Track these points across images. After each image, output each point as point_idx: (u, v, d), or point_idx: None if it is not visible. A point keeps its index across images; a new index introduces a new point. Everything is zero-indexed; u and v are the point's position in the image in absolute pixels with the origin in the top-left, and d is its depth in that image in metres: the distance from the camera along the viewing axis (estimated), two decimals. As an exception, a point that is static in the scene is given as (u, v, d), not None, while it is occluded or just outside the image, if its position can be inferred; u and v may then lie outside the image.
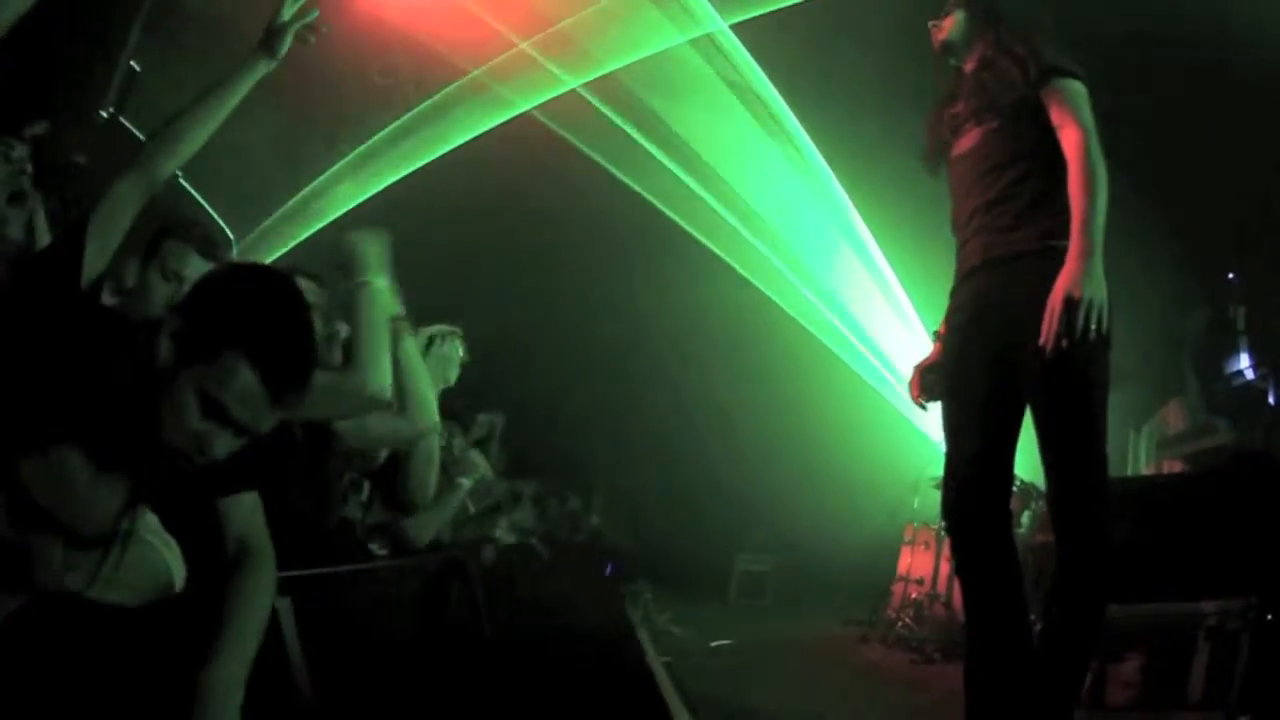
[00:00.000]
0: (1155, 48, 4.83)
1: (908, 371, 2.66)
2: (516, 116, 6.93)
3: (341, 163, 6.92)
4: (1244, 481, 3.13)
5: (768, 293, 8.34)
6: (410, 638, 2.52)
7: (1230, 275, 4.63)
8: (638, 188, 7.53)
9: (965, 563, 2.32)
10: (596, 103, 7.07)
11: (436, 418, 2.74)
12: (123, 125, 4.84)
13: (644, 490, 9.45)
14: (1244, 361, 4.33)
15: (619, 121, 7.22)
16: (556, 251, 7.71)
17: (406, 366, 2.50)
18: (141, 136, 4.52)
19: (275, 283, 1.54)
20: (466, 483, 3.37)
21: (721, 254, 8.06)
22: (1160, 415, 4.99)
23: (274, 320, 1.47)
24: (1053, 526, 2.26)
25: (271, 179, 6.64)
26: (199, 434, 1.42)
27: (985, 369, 2.28)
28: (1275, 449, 3.50)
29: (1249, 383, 4.20)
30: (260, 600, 1.55)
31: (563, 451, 8.30)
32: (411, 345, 2.59)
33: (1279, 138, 4.43)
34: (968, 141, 2.40)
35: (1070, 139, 2.21)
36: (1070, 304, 2.08)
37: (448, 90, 6.89)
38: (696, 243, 7.97)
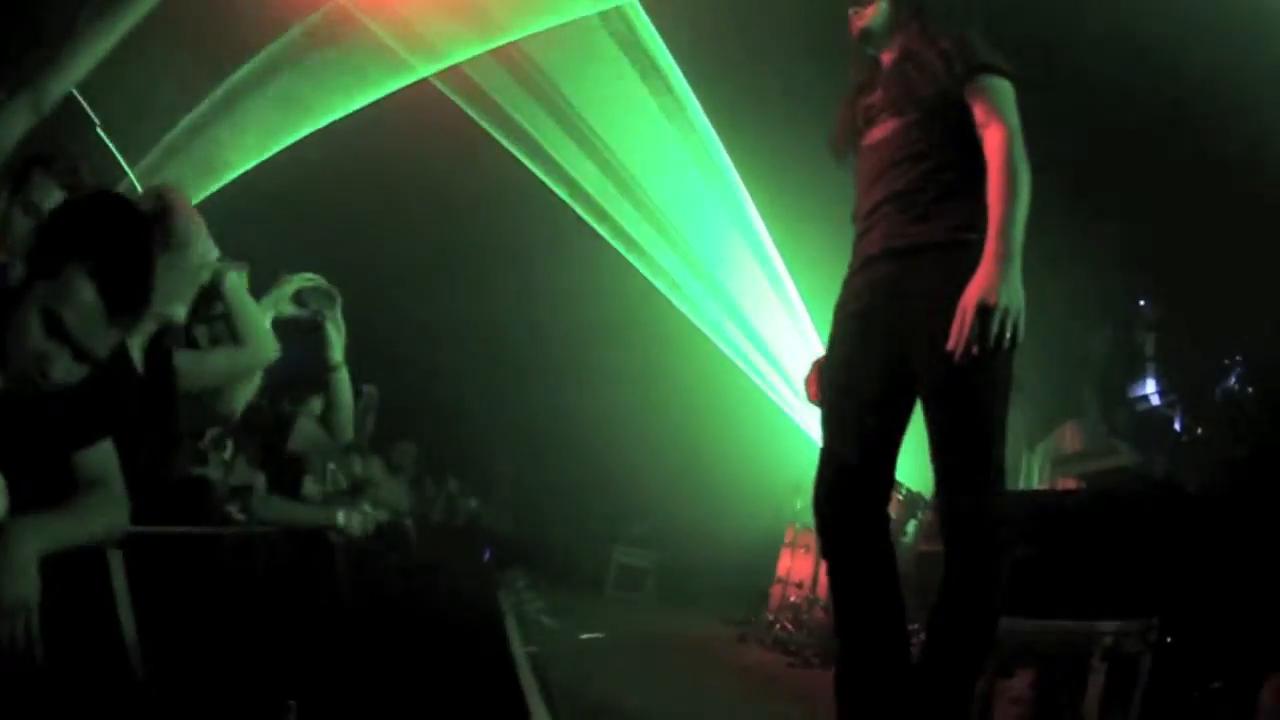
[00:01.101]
0: (1087, 58, 4.77)
1: (797, 370, 2.45)
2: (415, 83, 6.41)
3: (225, 84, 6.32)
4: (1147, 504, 3.03)
5: (658, 286, 8.10)
6: (258, 611, 2.26)
7: (1141, 301, 4.64)
8: (541, 174, 7.18)
9: (837, 566, 2.17)
10: (488, 78, 6.65)
11: (275, 347, 2.54)
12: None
13: (527, 478, 9.36)
14: (1150, 387, 4.34)
15: (517, 93, 6.84)
16: (453, 239, 7.57)
17: (235, 301, 2.47)
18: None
19: (122, 208, 1.67)
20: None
21: (613, 242, 7.78)
22: (1056, 435, 4.97)
23: (116, 241, 1.57)
24: (942, 535, 2.07)
25: (169, 98, 6.09)
26: (40, 355, 1.50)
27: (877, 362, 2.15)
28: (1178, 476, 3.44)
29: (1155, 408, 4.19)
30: (93, 510, 1.59)
31: (448, 434, 8.14)
32: (236, 280, 2.50)
33: (1204, 169, 4.43)
34: (881, 132, 2.26)
35: (993, 138, 2.06)
36: (984, 311, 1.93)
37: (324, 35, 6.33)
38: (589, 231, 7.70)
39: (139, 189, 5.57)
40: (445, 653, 2.83)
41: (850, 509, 2.14)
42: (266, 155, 6.48)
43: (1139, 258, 4.76)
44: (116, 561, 1.67)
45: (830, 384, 2.25)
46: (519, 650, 3.92)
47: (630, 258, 7.91)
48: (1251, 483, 3.09)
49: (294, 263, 2.82)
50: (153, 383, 2.23)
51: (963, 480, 2.05)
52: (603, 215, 7.66)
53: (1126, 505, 3.12)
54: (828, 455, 2.19)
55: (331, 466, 5.07)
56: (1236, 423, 3.59)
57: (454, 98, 6.54)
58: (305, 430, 2.90)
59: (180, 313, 2.24)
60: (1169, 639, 2.50)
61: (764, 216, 8.01)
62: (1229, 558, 2.76)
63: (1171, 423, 4.00)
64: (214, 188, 6.36)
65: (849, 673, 2.13)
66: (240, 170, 6.44)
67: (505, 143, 6.98)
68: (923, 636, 2.09)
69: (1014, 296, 1.94)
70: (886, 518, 2.20)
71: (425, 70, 6.34)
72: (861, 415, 2.15)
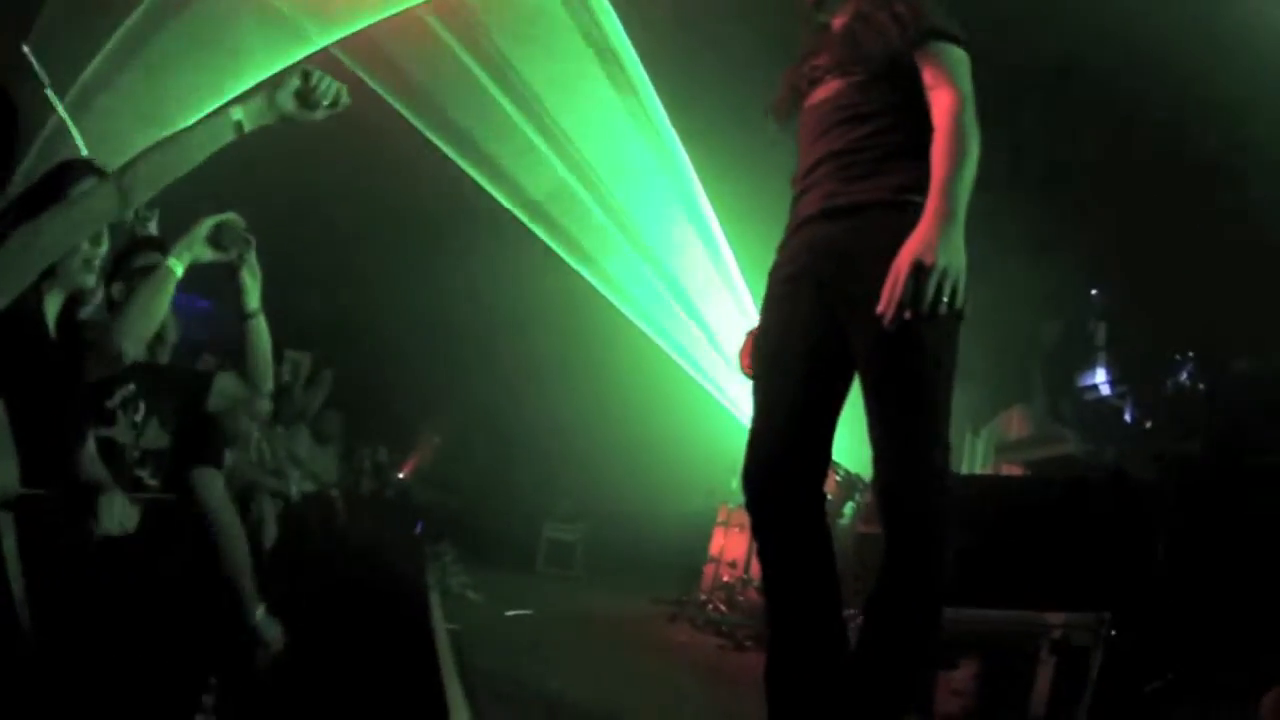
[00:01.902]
0: (1054, 47, 4.70)
1: (735, 343, 2.27)
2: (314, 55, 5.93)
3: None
4: (1098, 495, 2.94)
5: (597, 258, 7.88)
6: (167, 579, 2.14)
7: (1094, 291, 4.59)
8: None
9: (768, 547, 2.02)
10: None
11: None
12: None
13: (460, 452, 9.15)
14: (1100, 376, 4.30)
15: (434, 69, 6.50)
16: (384, 218, 7.45)
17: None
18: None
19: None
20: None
21: (556, 215, 7.56)
22: (1002, 419, 4.91)
23: None
24: (881, 516, 1.92)
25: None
26: None
27: (811, 328, 2.00)
28: (1126, 467, 3.38)
29: (1104, 399, 4.15)
30: None
31: (379, 404, 8.00)
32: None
33: (1172, 168, 4.39)
34: (825, 92, 2.13)
35: (942, 101, 1.93)
36: (919, 270, 1.77)
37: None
38: (525, 206, 7.50)
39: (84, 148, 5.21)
40: (365, 628, 2.75)
41: (781, 486, 1.99)
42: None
43: (1095, 248, 4.73)
44: (6, 522, 1.62)
45: (761, 353, 2.11)
46: (441, 627, 3.74)
47: (577, 235, 7.69)
48: (1202, 479, 3.03)
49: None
50: (63, 344, 2.13)
51: (902, 459, 1.90)
52: (535, 208, 7.44)
53: (1077, 494, 3.03)
54: (757, 429, 2.05)
55: (257, 435, 4.79)
56: (1186, 419, 3.55)
57: (365, 77, 6.18)
58: (225, 387, 2.64)
59: (89, 280, 2.13)
60: (1118, 633, 2.40)
61: (708, 192, 7.80)
62: (1179, 552, 2.68)
63: (1121, 414, 3.97)
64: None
65: (780, 660, 1.99)
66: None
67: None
68: (860, 623, 1.94)
69: (953, 257, 1.78)
70: (822, 496, 2.05)
71: (322, 39, 5.95)
72: (793, 385, 2.01)
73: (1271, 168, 3.86)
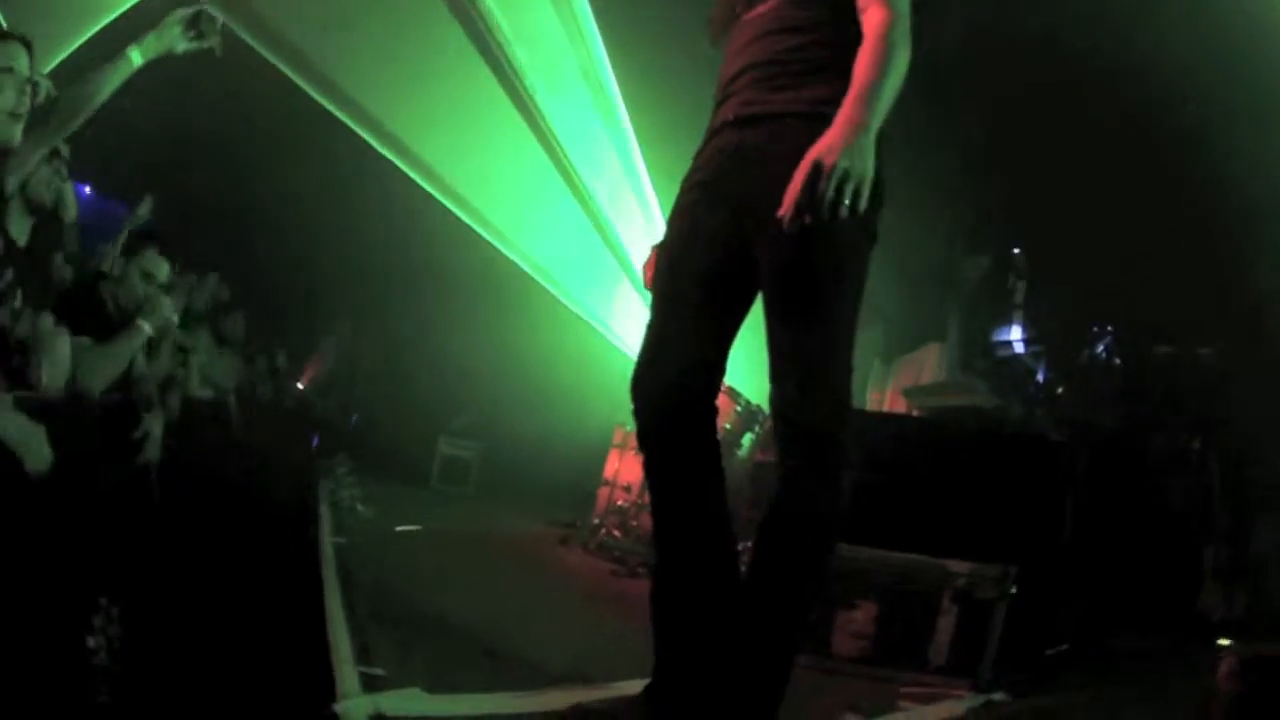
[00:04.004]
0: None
1: (642, 257, 2.15)
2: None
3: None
4: (1011, 451, 2.94)
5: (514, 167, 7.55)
6: (60, 494, 2.09)
7: (1016, 250, 4.60)
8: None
9: (654, 462, 1.94)
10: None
11: None
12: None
13: (359, 360, 8.77)
14: (1015, 334, 4.33)
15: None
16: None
17: None
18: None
19: None
20: (146, 327, 3.10)
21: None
22: (911, 360, 4.91)
23: None
24: (776, 440, 1.84)
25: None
26: None
27: (716, 240, 1.92)
28: (1035, 427, 3.41)
29: (1018, 356, 4.18)
30: None
31: (278, 307, 7.75)
32: None
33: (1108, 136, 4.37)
34: (760, 9, 2.05)
35: (873, 17, 1.86)
36: (818, 171, 1.68)
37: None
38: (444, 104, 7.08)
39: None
40: (249, 541, 2.72)
41: (670, 399, 1.92)
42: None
43: (1025, 206, 4.73)
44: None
45: (660, 266, 2.02)
46: (326, 540, 3.56)
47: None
48: (1114, 451, 3.07)
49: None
50: None
51: (800, 376, 1.83)
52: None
53: (990, 446, 3.02)
54: (650, 340, 1.97)
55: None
56: (1097, 390, 3.62)
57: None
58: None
59: (14, 134, 2.28)
60: (1022, 589, 2.41)
61: (629, 108, 7.49)
62: (1086, 517, 2.71)
63: (1034, 374, 4.01)
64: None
65: (667, 580, 1.91)
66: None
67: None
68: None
69: (858, 162, 1.68)
70: (713, 412, 1.96)
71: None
72: (691, 290, 1.93)
73: (1221, 151, 3.88)
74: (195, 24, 2.43)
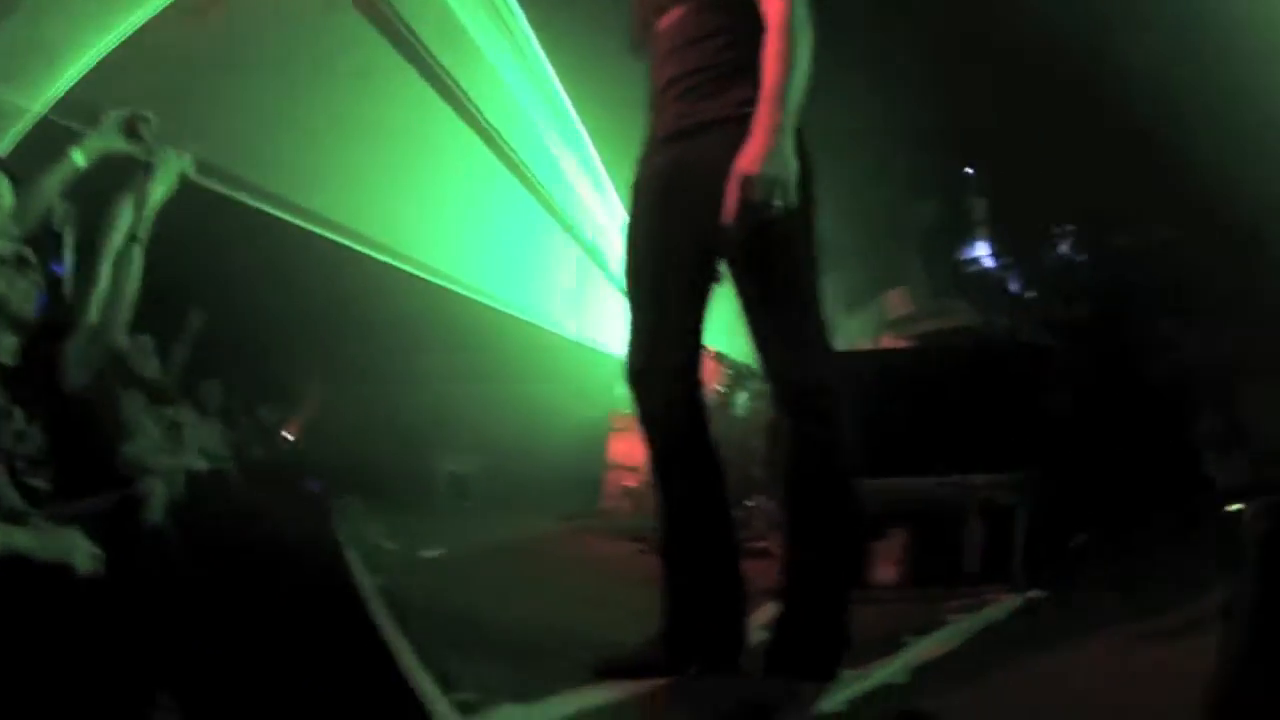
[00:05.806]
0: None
1: (616, 251, 2.34)
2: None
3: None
4: (1001, 360, 3.08)
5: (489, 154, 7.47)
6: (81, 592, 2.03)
7: (967, 170, 4.70)
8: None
9: (654, 436, 2.20)
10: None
11: None
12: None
13: (343, 396, 8.69)
14: (982, 250, 4.44)
15: None
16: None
17: None
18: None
19: None
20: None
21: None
22: (881, 300, 5.02)
23: None
24: (775, 399, 2.09)
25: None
26: None
27: (673, 237, 2.14)
28: (1021, 335, 3.55)
29: (986, 270, 4.30)
30: None
31: (253, 365, 7.57)
32: None
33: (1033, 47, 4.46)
34: (670, 19, 2.23)
35: (773, 5, 2.02)
36: (747, 184, 1.93)
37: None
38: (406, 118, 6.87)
39: None
40: (291, 605, 2.48)
41: (656, 361, 2.15)
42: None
43: (968, 122, 4.81)
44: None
45: (628, 268, 2.23)
46: (366, 583, 3.58)
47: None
48: (1095, 344, 3.21)
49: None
50: None
51: (786, 350, 2.06)
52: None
53: (981, 360, 3.16)
54: (632, 326, 2.20)
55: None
56: (1067, 289, 3.75)
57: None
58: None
59: None
60: (1039, 489, 2.56)
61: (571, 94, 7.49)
62: (1088, 411, 2.86)
63: (1006, 284, 4.14)
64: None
65: (676, 537, 2.16)
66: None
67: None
68: (768, 508, 2.07)
69: (780, 167, 1.91)
70: (697, 385, 2.19)
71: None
72: (661, 274, 2.15)
73: (1149, 45, 3.99)
74: (132, 126, 2.43)
